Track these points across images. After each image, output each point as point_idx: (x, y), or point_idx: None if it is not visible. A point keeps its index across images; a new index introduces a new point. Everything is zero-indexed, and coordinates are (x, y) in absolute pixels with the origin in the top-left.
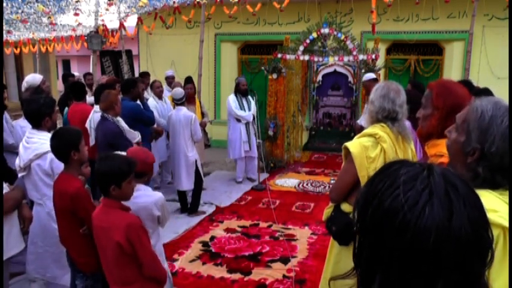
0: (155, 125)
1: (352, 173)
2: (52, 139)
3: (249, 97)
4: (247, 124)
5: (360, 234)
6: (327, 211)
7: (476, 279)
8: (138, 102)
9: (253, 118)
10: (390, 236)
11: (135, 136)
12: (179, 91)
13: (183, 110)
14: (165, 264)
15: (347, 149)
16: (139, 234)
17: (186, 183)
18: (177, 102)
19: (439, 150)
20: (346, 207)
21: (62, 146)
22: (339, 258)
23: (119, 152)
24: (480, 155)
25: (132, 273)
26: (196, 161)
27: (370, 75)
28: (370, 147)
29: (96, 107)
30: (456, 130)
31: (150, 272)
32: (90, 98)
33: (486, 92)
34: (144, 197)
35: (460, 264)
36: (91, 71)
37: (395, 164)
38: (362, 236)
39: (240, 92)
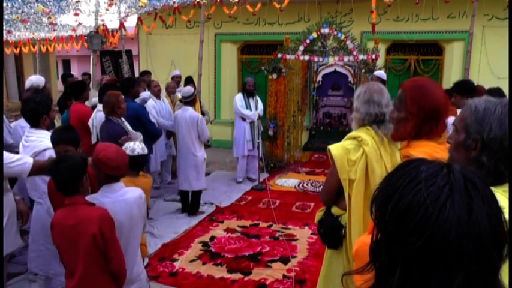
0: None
1: (336, 175)
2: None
3: (257, 97)
4: (251, 123)
5: (378, 229)
6: (319, 214)
7: (494, 273)
8: (143, 95)
9: (259, 118)
10: (412, 229)
11: (137, 136)
12: (188, 89)
13: (190, 111)
14: (142, 267)
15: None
16: (111, 226)
17: (196, 183)
18: (185, 100)
19: (409, 152)
20: (335, 210)
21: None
22: (331, 261)
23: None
24: (482, 145)
25: (97, 268)
26: (204, 160)
27: (381, 73)
28: (352, 150)
29: (100, 106)
30: (456, 132)
31: (116, 267)
32: (95, 99)
33: (498, 91)
34: (131, 191)
35: (479, 258)
36: (91, 71)
37: (414, 162)
38: (381, 231)
39: (246, 91)
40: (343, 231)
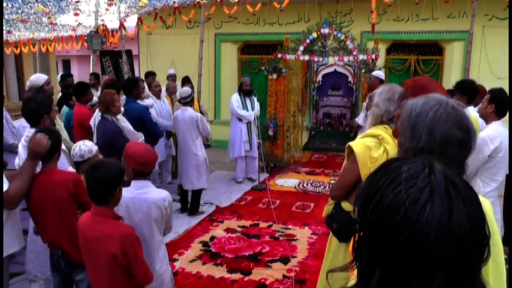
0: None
1: (355, 172)
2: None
3: (253, 97)
4: (248, 124)
5: (360, 229)
6: (328, 208)
7: (474, 274)
8: (146, 102)
9: (256, 118)
10: (390, 231)
11: (138, 137)
12: (186, 90)
13: (189, 111)
14: (169, 268)
15: (350, 149)
16: (134, 246)
17: (198, 183)
18: (183, 101)
19: None
20: (346, 205)
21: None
22: (337, 254)
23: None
24: (414, 154)
25: (122, 282)
26: (205, 159)
27: (379, 73)
28: (373, 148)
29: None
30: (399, 134)
31: (141, 281)
32: (95, 98)
33: (499, 90)
34: (154, 192)
35: (459, 261)
36: (91, 71)
37: (397, 161)
38: (362, 230)
39: (243, 91)
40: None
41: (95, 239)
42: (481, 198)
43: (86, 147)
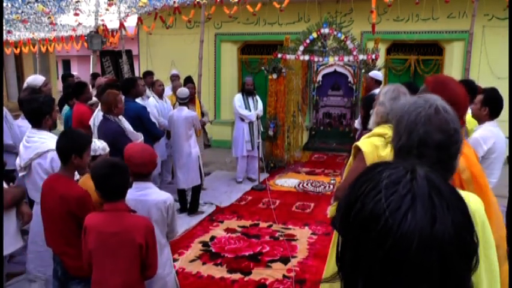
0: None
1: None
2: (61, 137)
3: (257, 97)
4: (250, 124)
5: (342, 237)
6: (333, 209)
7: (462, 283)
8: (144, 102)
9: (258, 118)
10: (372, 240)
11: (138, 137)
12: (185, 91)
13: (185, 110)
14: (173, 271)
15: (357, 148)
16: (153, 236)
17: (192, 180)
18: (181, 101)
19: None
20: None
21: (67, 146)
22: None
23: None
24: (395, 152)
25: (137, 277)
26: (199, 157)
27: (375, 74)
28: (381, 147)
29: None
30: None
31: (153, 273)
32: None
33: (493, 91)
34: (155, 194)
35: (444, 271)
36: (91, 71)
37: (379, 166)
38: (345, 238)
39: (245, 91)
40: None
41: (115, 234)
42: (472, 196)
43: (102, 144)
